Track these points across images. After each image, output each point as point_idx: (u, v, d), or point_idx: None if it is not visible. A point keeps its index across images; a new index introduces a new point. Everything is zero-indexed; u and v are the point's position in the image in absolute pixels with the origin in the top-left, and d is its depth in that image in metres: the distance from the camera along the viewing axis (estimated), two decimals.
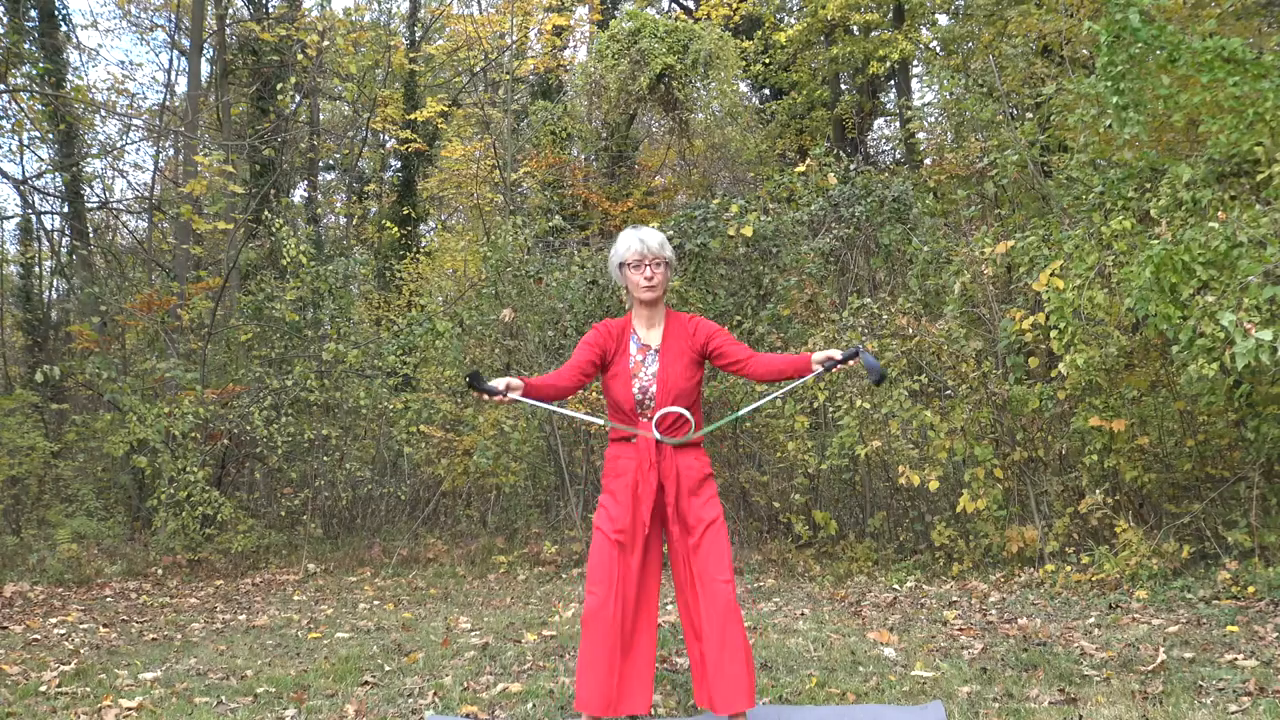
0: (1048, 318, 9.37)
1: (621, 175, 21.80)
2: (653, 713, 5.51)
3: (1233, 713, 4.73)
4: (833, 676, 6.07)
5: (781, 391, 5.35)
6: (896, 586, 9.86)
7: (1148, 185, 9.38)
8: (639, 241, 5.18)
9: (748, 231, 12.17)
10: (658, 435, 5.04)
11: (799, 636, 7.36)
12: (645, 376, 5.11)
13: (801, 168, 13.26)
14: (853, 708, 5.27)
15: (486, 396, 4.78)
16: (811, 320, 12.27)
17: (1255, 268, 7.30)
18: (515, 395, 4.87)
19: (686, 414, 5.10)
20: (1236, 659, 6.00)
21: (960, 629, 7.48)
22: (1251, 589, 7.97)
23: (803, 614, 8.49)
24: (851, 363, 5.02)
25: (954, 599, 8.99)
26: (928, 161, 19.69)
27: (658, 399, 5.07)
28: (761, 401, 5.81)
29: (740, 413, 5.70)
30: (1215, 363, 7.55)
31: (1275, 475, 9.09)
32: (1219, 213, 7.98)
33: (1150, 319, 8.08)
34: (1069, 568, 9.36)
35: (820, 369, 5.05)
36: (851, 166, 13.29)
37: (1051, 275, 9.29)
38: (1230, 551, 8.86)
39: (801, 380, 5.21)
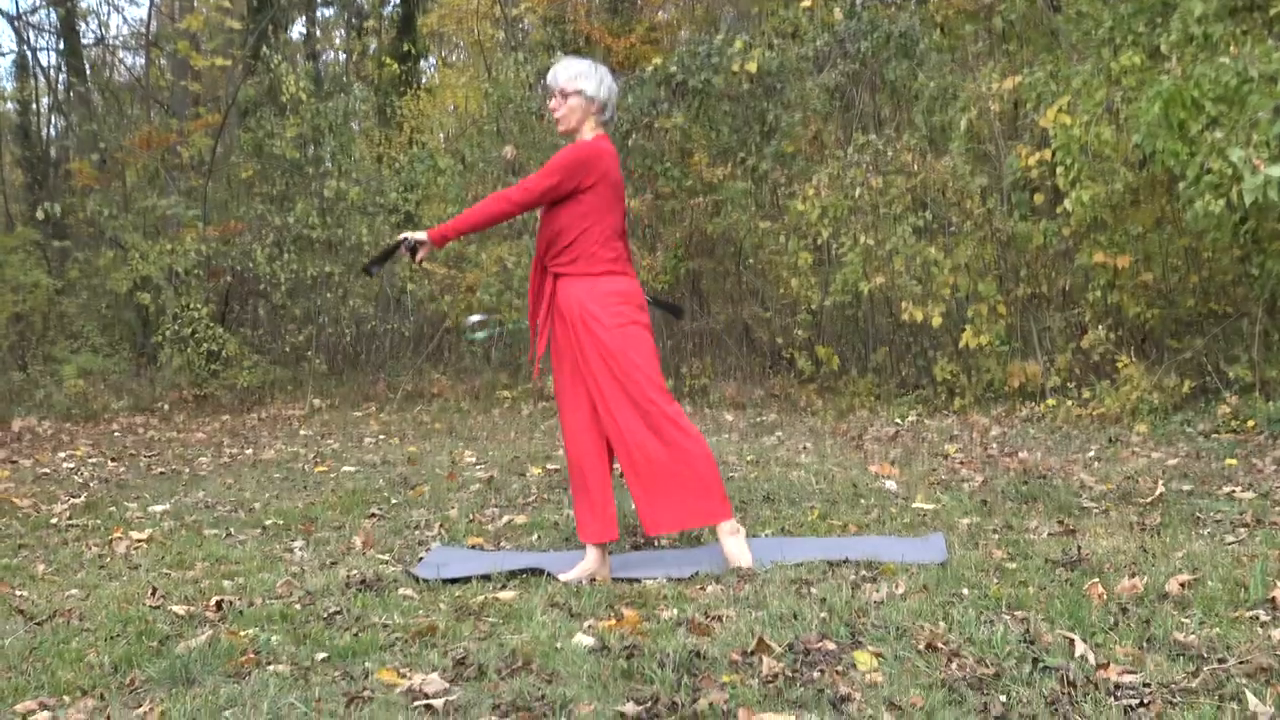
0: (1054, 154, 9.31)
1: (624, 10, 21.42)
2: (656, 544, 5.58)
3: (1229, 543, 4.78)
4: (834, 509, 6.13)
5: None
6: (898, 421, 9.93)
7: (1158, 20, 9.23)
8: (550, 74, 5.16)
9: (752, 67, 12.02)
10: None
11: (801, 470, 7.42)
12: None
13: (807, 2, 13.03)
14: (854, 539, 5.32)
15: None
16: (816, 157, 12.19)
17: (1265, 103, 7.23)
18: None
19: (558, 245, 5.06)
20: (1234, 491, 6.05)
21: (961, 462, 7.53)
22: (1251, 423, 8.02)
23: (805, 448, 8.55)
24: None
25: (955, 433, 9.05)
26: None
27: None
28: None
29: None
30: (1222, 199, 7.51)
31: (1278, 311, 9.10)
32: (1230, 48, 7.86)
33: (1157, 155, 8.01)
34: (1070, 402, 9.41)
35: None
36: (857, 1, 13.07)
37: (1059, 111, 9.20)
38: (1231, 386, 8.90)
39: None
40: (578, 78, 5.10)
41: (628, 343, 4.92)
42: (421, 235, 5.00)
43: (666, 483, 4.90)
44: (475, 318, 5.14)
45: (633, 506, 5.12)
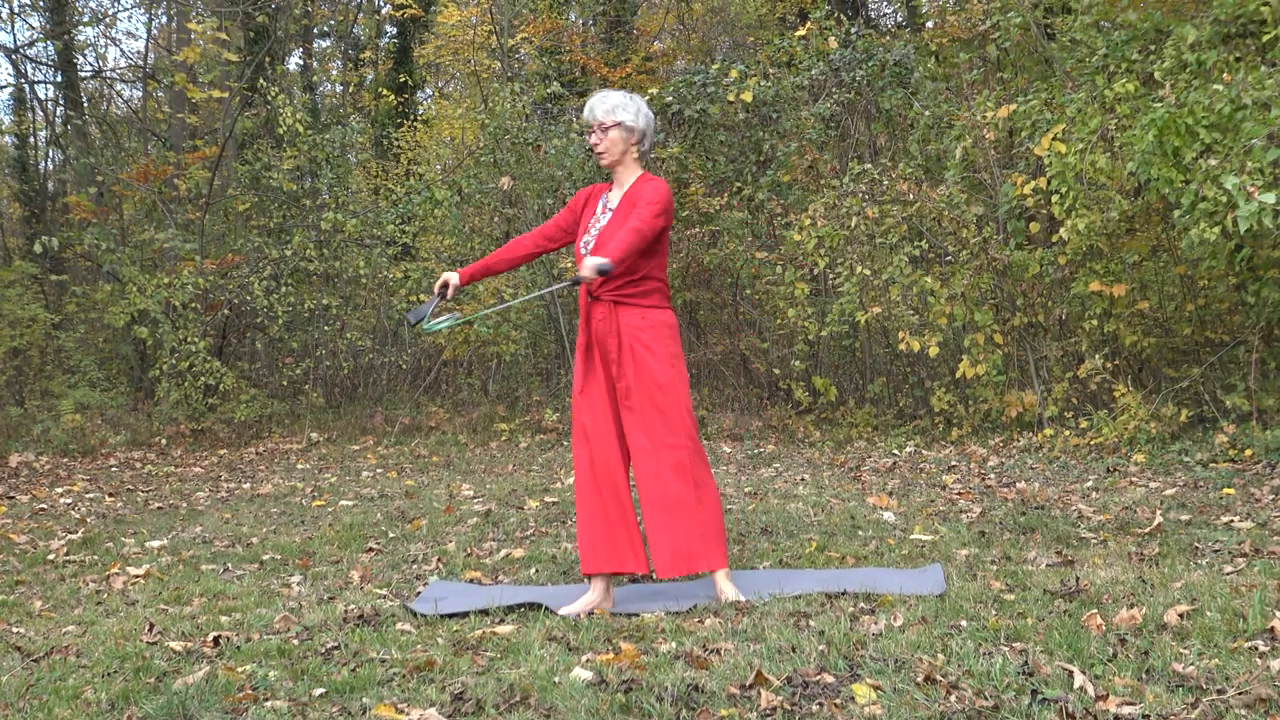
0: (1049, 182, 9.32)
1: (620, 40, 21.51)
2: (653, 577, 5.57)
3: (1228, 573, 4.77)
4: (832, 540, 6.12)
5: (529, 297, 5.35)
6: (896, 451, 9.92)
7: (1152, 47, 9.26)
8: (587, 109, 5.11)
9: (747, 97, 12.06)
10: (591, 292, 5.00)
11: (799, 501, 7.42)
12: (593, 232, 5.05)
13: (802, 31, 13.08)
14: (852, 571, 5.32)
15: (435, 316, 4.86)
16: (812, 186, 12.20)
17: (1259, 130, 7.24)
18: (454, 283, 5.06)
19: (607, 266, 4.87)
20: (1232, 521, 6.04)
21: (959, 493, 7.53)
22: (1249, 452, 8.01)
23: (803, 479, 8.55)
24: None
25: (953, 463, 9.04)
26: (929, 24, 19.43)
27: (594, 253, 4.93)
28: (503, 306, 5.86)
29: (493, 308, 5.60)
30: (1217, 226, 7.52)
31: (1274, 339, 9.10)
32: (1224, 75, 7.89)
33: (1152, 183, 8.03)
34: (1068, 432, 9.41)
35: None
36: (852, 30, 13.11)
37: (1054, 139, 9.22)
38: (1228, 415, 8.89)
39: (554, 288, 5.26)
40: (615, 110, 5.07)
41: (678, 376, 4.94)
42: (598, 264, 4.76)
43: (687, 523, 4.91)
44: (427, 307, 5.05)
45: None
